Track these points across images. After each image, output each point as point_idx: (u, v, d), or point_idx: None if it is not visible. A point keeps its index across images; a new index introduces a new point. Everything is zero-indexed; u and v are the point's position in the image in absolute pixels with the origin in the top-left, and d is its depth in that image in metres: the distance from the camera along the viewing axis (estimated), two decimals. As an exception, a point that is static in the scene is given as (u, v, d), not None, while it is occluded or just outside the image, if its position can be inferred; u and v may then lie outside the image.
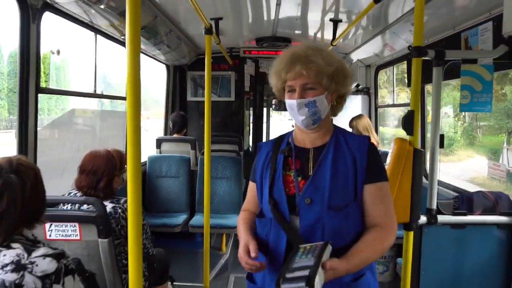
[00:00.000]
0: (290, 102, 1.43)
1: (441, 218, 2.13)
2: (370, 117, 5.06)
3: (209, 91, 2.81)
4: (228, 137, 5.10)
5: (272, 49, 5.04)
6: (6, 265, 1.24)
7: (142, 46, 3.71)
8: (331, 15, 3.52)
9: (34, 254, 1.27)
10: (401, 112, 5.34)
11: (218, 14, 3.45)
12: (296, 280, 1.13)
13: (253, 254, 1.34)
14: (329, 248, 1.26)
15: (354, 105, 5.38)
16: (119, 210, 2.12)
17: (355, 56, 5.03)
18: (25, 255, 1.27)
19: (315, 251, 1.22)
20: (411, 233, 2.01)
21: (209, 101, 2.84)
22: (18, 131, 2.08)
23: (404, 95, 4.91)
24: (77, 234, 1.96)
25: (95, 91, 2.97)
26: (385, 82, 5.34)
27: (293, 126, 1.64)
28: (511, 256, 2.13)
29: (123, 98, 3.62)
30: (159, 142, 4.51)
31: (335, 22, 3.53)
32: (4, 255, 1.25)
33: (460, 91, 2.07)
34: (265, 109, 6.87)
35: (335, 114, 1.54)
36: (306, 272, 1.13)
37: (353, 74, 5.19)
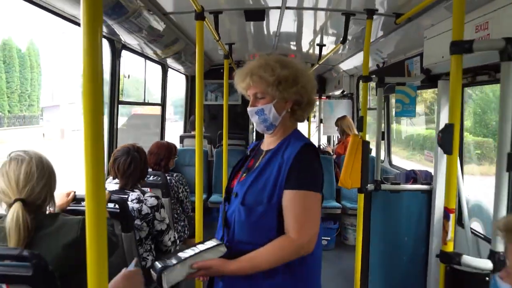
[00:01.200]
0: (248, 109, 1.56)
1: (384, 186, 3.22)
2: (353, 118, 6.16)
3: (226, 103, 3.87)
4: (237, 133, 6.19)
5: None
6: (133, 199, 2.34)
7: (172, 64, 4.82)
8: (317, 40, 4.61)
9: (146, 195, 2.38)
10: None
11: (231, 41, 4.54)
12: (155, 269, 1.31)
13: None
14: (220, 249, 1.42)
15: (340, 108, 6.47)
16: (173, 181, 3.22)
17: (341, 67, 6.12)
18: (141, 195, 2.37)
19: (201, 249, 1.41)
20: (362, 195, 3.11)
21: (227, 107, 3.92)
22: (108, 129, 3.20)
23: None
24: (149, 195, 3.07)
25: (144, 99, 4.10)
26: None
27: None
28: (429, 211, 3.21)
29: (159, 104, 4.73)
30: (182, 138, 5.62)
31: (320, 46, 4.62)
32: (132, 195, 2.36)
33: (395, 103, 3.17)
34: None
35: (299, 120, 1.61)
36: (167, 263, 1.32)
37: (340, 82, 6.33)
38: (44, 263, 1.36)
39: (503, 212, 1.63)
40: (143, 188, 2.55)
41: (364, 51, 3.03)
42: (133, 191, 2.38)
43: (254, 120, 1.55)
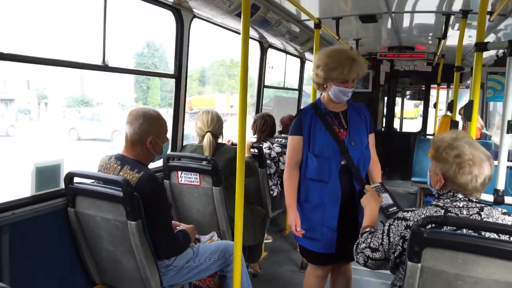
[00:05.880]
0: (344, 89, 2.12)
1: (508, 199, 2.17)
2: (482, 106, 6.32)
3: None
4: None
5: (400, 53, 6.68)
6: (265, 147, 3.58)
7: (310, 57, 5.95)
8: (437, 34, 5.12)
9: (273, 144, 3.60)
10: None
11: (358, 37, 5.40)
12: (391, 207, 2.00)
13: (299, 230, 2.20)
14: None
15: (467, 97, 6.66)
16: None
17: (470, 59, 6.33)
18: (271, 145, 3.60)
19: (384, 190, 2.09)
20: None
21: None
22: (256, 103, 4.53)
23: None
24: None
25: (284, 84, 5.36)
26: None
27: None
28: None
29: (296, 89, 5.94)
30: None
31: (439, 39, 5.13)
32: (265, 144, 3.60)
33: (486, 89, 3.68)
34: (398, 99, 8.50)
35: None
36: (394, 208, 1.99)
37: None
38: (217, 165, 2.67)
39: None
40: (272, 140, 3.77)
41: (458, 45, 3.64)
42: (265, 142, 3.63)
43: (349, 95, 2.17)
